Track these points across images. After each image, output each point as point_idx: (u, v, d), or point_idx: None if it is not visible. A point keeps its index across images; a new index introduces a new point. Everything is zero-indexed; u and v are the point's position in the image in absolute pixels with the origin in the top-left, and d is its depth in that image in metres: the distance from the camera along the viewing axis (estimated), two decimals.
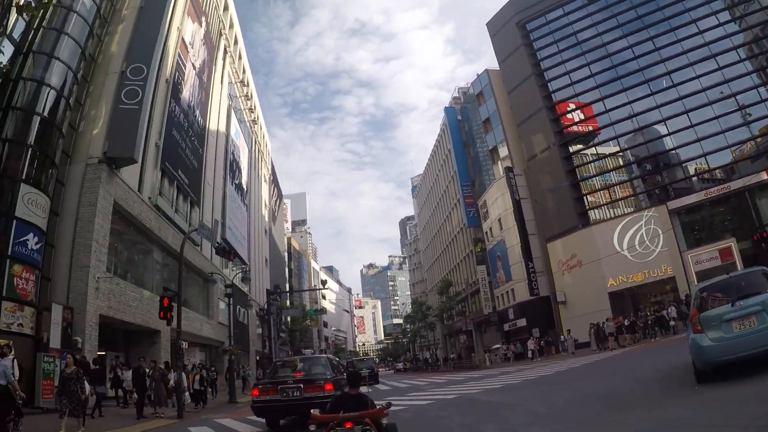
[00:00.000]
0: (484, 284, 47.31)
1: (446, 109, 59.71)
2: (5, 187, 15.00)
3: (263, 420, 9.97)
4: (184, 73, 26.58)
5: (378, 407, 4.47)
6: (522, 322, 41.74)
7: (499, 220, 45.48)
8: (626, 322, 25.37)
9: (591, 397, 9.05)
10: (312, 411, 4.51)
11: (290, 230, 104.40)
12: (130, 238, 20.19)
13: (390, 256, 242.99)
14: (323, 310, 45.42)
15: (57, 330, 14.92)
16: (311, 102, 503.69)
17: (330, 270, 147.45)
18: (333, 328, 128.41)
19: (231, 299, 21.05)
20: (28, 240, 14.74)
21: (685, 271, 32.69)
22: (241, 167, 42.64)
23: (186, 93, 27.32)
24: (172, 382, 15.21)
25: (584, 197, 39.29)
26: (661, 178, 37.50)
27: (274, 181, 67.77)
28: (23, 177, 15.23)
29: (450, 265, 61.85)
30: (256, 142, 52.17)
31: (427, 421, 9.29)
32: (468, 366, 39.15)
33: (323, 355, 16.17)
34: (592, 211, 38.88)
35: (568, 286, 38.05)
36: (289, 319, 53.44)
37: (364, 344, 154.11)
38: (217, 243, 17.56)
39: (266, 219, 56.66)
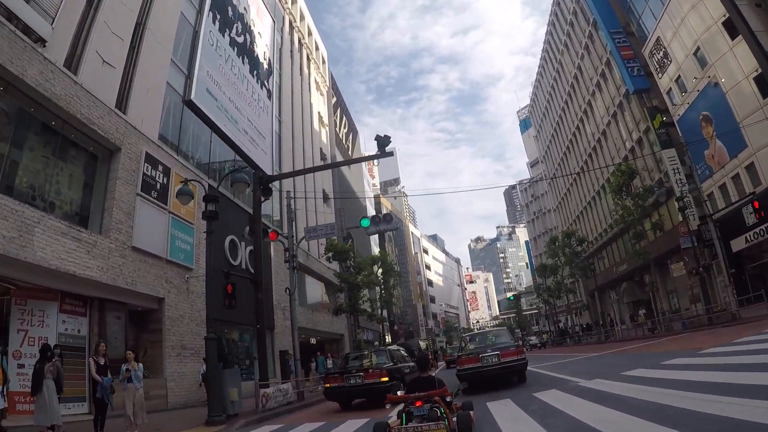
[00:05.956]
0: (679, 180, 26.94)
1: None
2: None
3: None
4: None
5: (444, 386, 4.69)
6: None
7: (696, 53, 25.03)
8: None
9: None
10: (389, 394, 5.20)
11: (379, 190, 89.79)
12: None
13: (498, 227, 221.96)
14: (389, 218, 20.42)
15: None
16: (395, 85, 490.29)
17: (434, 239, 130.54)
18: (442, 304, 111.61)
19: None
20: None
21: None
22: (252, 29, 27.35)
23: None
24: None
25: None
26: None
27: (340, 105, 52.36)
28: None
29: (603, 175, 39.54)
30: (293, 28, 37.07)
31: None
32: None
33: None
34: None
35: None
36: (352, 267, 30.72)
37: (478, 321, 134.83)
38: None
39: (324, 140, 41.42)
